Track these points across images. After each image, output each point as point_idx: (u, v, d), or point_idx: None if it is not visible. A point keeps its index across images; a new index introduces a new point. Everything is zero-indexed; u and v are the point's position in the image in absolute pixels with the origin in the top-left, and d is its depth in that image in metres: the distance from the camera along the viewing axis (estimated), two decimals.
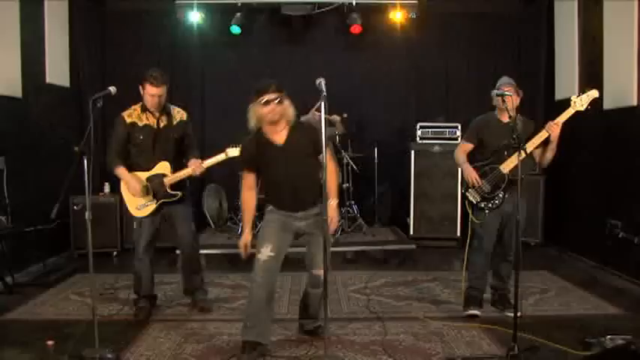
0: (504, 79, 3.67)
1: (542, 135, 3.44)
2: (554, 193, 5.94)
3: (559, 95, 5.91)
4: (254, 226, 3.28)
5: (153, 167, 3.68)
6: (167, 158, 3.68)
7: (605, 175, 5.03)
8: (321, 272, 2.85)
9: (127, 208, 3.74)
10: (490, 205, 3.62)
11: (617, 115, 4.81)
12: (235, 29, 6.22)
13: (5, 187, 4.58)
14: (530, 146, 3.40)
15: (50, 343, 3.20)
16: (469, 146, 3.81)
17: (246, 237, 3.13)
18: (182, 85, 6.32)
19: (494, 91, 3.46)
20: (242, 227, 3.18)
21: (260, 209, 3.70)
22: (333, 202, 3.05)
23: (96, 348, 2.84)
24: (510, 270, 3.76)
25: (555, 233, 5.97)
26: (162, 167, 3.68)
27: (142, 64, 6.45)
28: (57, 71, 5.62)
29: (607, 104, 4.93)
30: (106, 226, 5.53)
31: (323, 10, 6.29)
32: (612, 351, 2.89)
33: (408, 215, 6.11)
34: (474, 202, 3.66)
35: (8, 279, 4.39)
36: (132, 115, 3.67)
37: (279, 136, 3.04)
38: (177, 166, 3.71)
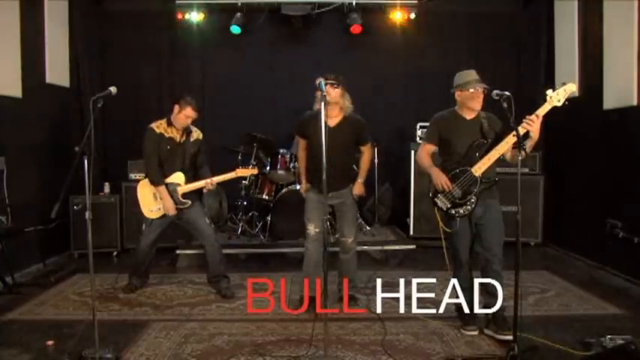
0: (473, 75, 3.32)
1: (509, 140, 3.10)
2: (554, 193, 5.94)
3: None
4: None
5: (169, 176, 4.12)
6: (183, 170, 4.15)
7: (605, 175, 5.02)
8: (348, 240, 3.86)
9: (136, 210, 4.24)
10: (462, 211, 3.31)
11: (617, 114, 4.80)
12: (235, 29, 6.22)
13: (5, 187, 4.57)
14: (501, 148, 3.14)
15: (50, 343, 3.21)
16: (432, 147, 3.54)
17: (304, 187, 3.97)
18: (182, 85, 6.32)
19: (495, 91, 3.06)
20: (299, 178, 4.24)
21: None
22: (360, 180, 3.97)
23: (96, 348, 2.84)
24: (498, 278, 3.29)
25: (555, 233, 5.97)
26: (178, 177, 4.13)
27: (141, 65, 6.52)
28: (57, 71, 5.61)
29: (607, 104, 4.93)
30: (106, 226, 5.53)
31: (323, 10, 6.29)
32: (612, 351, 2.89)
33: (408, 215, 6.10)
34: (444, 209, 3.39)
35: (8, 279, 4.39)
36: (159, 127, 4.12)
37: (333, 121, 3.70)
38: (190, 178, 4.18)
